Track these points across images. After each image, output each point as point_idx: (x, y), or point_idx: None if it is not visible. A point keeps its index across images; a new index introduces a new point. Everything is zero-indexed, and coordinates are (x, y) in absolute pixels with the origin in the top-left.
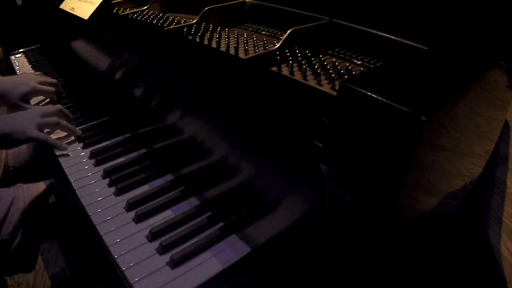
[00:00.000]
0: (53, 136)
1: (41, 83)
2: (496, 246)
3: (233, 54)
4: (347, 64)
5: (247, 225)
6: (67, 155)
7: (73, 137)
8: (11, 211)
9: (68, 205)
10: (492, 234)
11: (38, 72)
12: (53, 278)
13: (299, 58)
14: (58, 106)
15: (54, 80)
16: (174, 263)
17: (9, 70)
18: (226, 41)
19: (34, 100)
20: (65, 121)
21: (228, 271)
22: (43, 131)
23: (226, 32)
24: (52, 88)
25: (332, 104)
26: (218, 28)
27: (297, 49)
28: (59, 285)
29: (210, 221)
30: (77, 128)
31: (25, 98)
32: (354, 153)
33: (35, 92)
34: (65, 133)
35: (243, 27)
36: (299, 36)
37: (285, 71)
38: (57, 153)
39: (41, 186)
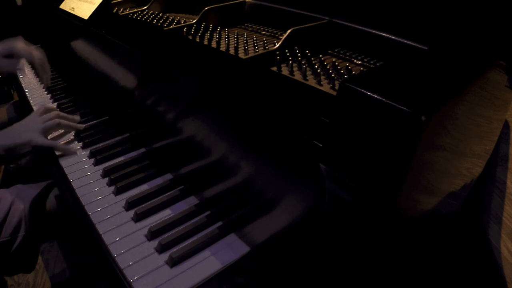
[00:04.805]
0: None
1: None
2: (496, 246)
3: (233, 54)
4: (347, 64)
5: (246, 224)
6: (74, 153)
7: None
8: (11, 213)
9: (68, 204)
10: (492, 234)
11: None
12: (53, 278)
13: (299, 58)
14: (55, 112)
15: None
16: (173, 262)
17: None
18: (226, 41)
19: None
20: (65, 121)
21: (227, 270)
22: (47, 137)
23: (226, 32)
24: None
25: (332, 104)
26: (218, 28)
27: (297, 49)
28: (59, 285)
29: (209, 220)
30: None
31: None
32: (354, 153)
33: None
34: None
35: (243, 27)
36: (299, 36)
37: (285, 71)
38: (58, 153)
39: (40, 187)
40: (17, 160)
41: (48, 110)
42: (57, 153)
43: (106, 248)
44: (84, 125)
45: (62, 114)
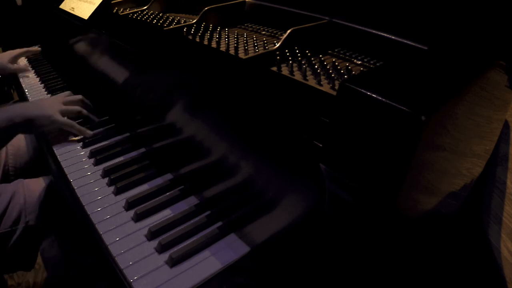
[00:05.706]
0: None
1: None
2: (496, 246)
3: (233, 54)
4: (347, 64)
5: (246, 224)
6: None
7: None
8: (10, 206)
9: (68, 204)
10: (492, 234)
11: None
12: (53, 278)
13: (299, 58)
14: (79, 96)
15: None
16: (173, 262)
17: None
18: (226, 41)
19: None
20: (85, 111)
21: (227, 270)
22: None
23: (226, 32)
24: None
25: (332, 104)
26: (218, 28)
27: (297, 49)
28: (59, 285)
29: (209, 220)
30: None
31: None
32: (354, 153)
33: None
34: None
35: (243, 27)
36: (299, 36)
37: (285, 71)
38: (75, 138)
39: (40, 181)
40: (35, 132)
41: (74, 97)
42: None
43: (106, 248)
44: (98, 119)
45: (86, 100)
